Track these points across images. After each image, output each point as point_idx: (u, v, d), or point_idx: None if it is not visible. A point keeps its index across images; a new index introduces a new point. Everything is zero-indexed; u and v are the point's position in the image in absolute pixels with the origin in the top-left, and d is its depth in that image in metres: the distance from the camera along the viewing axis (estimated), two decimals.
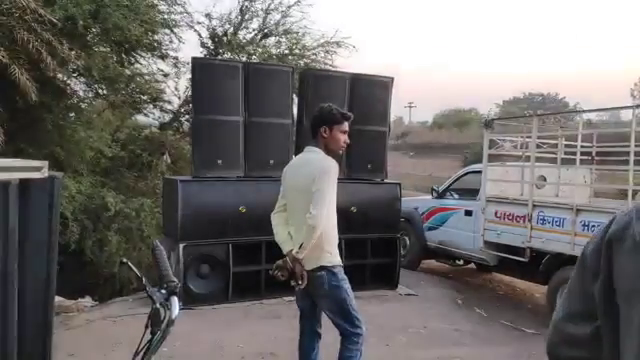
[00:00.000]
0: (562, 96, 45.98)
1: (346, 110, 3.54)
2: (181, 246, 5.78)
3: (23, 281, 3.37)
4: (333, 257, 3.31)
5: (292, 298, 6.21)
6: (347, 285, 3.32)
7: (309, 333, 3.53)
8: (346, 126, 3.40)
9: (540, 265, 6.40)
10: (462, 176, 8.44)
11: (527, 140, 7.19)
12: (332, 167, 3.28)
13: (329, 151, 3.38)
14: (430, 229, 8.34)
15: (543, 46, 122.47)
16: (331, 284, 3.26)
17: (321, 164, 3.28)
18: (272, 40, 11.83)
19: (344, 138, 3.40)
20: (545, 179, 7.37)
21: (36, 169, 3.47)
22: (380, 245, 6.77)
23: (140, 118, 11.78)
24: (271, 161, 6.22)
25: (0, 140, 7.04)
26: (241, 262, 6.06)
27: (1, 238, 2.96)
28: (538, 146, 7.00)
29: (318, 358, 3.53)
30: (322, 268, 3.25)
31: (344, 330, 3.33)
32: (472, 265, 8.55)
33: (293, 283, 3.26)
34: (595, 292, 1.04)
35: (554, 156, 7.43)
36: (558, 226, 6.12)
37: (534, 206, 6.43)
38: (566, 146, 7.53)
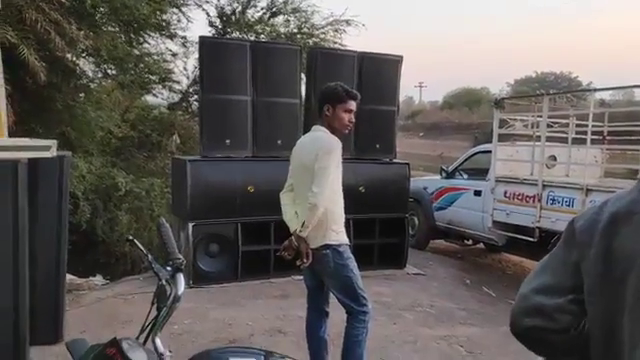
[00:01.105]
0: (575, 75, 45.45)
1: (353, 89, 3.48)
2: (190, 225, 5.82)
3: (34, 259, 3.42)
4: (339, 235, 3.31)
5: (301, 277, 6.26)
6: (353, 264, 3.32)
7: (317, 311, 3.56)
8: (351, 105, 3.34)
9: (549, 245, 6.37)
10: (472, 156, 8.39)
11: (538, 119, 7.12)
12: (334, 145, 3.26)
13: (333, 130, 3.34)
14: (439, 209, 8.33)
15: (557, 23, 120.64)
16: (337, 262, 3.27)
17: (323, 143, 3.27)
18: (280, 19, 11.74)
19: (348, 117, 3.34)
20: (555, 159, 7.31)
21: (45, 148, 3.51)
22: (388, 225, 6.77)
23: (149, 98, 11.80)
24: (279, 140, 6.20)
25: (11, 121, 7.07)
26: (250, 241, 6.10)
27: (11, 216, 3.00)
28: (549, 125, 6.94)
29: (325, 336, 3.56)
30: (327, 247, 3.26)
31: (350, 308, 3.34)
32: (481, 245, 8.55)
33: (299, 262, 3.28)
34: (584, 268, 1.05)
35: (565, 136, 7.36)
36: (568, 206, 6.09)
37: (544, 186, 6.39)
38: (577, 126, 7.45)
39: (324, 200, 3.17)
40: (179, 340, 4.25)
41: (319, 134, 3.37)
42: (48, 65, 7.71)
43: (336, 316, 3.54)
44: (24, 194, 3.10)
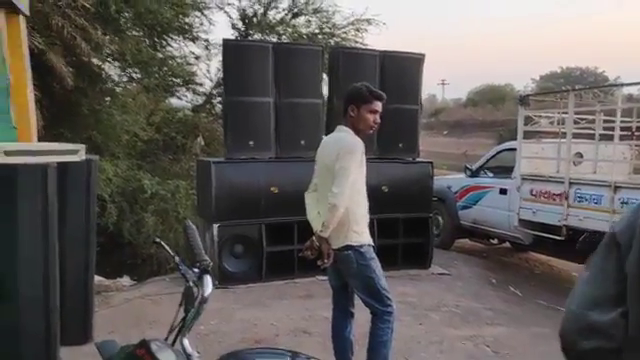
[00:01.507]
0: (602, 70, 44.57)
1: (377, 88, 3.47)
2: (215, 227, 5.87)
3: (64, 262, 3.49)
4: (360, 236, 3.29)
5: (325, 277, 6.27)
6: (376, 264, 3.30)
7: (342, 312, 3.55)
8: (376, 105, 3.30)
9: (577, 243, 6.27)
10: (496, 154, 8.30)
11: (564, 116, 7.01)
12: (355, 145, 3.23)
13: (357, 131, 3.31)
14: (464, 208, 8.26)
15: (583, 17, 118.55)
16: (359, 263, 3.26)
17: (344, 143, 3.26)
18: (302, 19, 11.77)
19: (373, 118, 3.30)
20: (582, 156, 7.19)
21: (73, 152, 3.58)
22: (412, 225, 6.73)
23: (173, 101, 11.94)
24: (302, 141, 6.23)
25: (39, 125, 7.23)
26: (274, 242, 6.13)
27: (42, 219, 3.06)
28: (575, 122, 6.83)
29: (351, 337, 3.55)
30: (349, 247, 3.25)
31: (374, 309, 3.33)
32: (507, 244, 8.45)
33: (319, 262, 3.28)
34: (628, 269, 1.00)
35: (592, 132, 7.23)
36: (596, 203, 5.99)
37: (571, 183, 6.29)
38: (605, 121, 7.31)
39: (344, 200, 3.15)
40: (206, 340, 4.29)
41: (342, 134, 3.36)
42: (75, 70, 7.87)
43: (361, 316, 3.54)
44: (54, 197, 3.17)
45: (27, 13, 5.10)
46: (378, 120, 3.34)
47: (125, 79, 10.51)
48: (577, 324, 1.06)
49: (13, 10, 4.74)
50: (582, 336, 1.04)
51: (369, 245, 3.33)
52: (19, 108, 4.79)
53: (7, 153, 2.90)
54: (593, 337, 1.01)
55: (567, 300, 1.12)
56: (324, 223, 3.20)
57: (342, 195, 3.15)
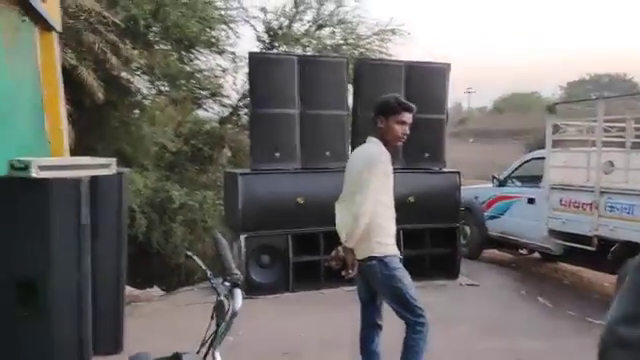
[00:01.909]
0: (631, 76, 43.68)
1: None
2: (242, 237, 5.92)
3: (96, 272, 3.56)
4: (384, 247, 3.27)
5: (351, 287, 6.27)
6: (402, 274, 3.27)
7: (369, 325, 3.54)
8: (405, 117, 3.28)
9: (608, 254, 6.14)
10: (524, 163, 8.19)
11: (593, 124, 6.89)
12: (377, 157, 3.23)
13: (386, 142, 3.30)
14: (491, 218, 8.16)
15: (612, 23, 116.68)
16: (383, 273, 3.24)
17: (367, 153, 3.29)
18: (326, 31, 11.86)
19: (401, 129, 3.28)
20: (613, 164, 7.05)
21: (105, 166, 3.66)
22: (439, 235, 6.69)
23: (201, 113, 12.12)
24: (327, 152, 6.26)
25: (71, 139, 7.41)
26: (300, 252, 6.15)
27: (75, 232, 3.14)
28: (605, 130, 6.71)
29: (377, 349, 3.53)
30: (372, 258, 3.24)
31: (406, 319, 3.29)
32: (536, 254, 8.31)
33: (344, 272, 3.29)
34: None
35: (622, 140, 7.10)
36: (628, 213, 5.86)
37: (601, 193, 6.18)
38: (636, 129, 7.17)
39: (366, 211, 3.15)
40: (234, 351, 4.29)
41: (368, 145, 3.38)
42: (105, 84, 8.07)
43: (391, 329, 3.51)
44: (86, 210, 3.24)
45: (59, 30, 5.26)
46: (407, 131, 3.32)
47: (154, 92, 10.72)
48: (609, 337, 1.06)
49: (47, 27, 4.90)
50: (616, 348, 1.04)
51: (394, 256, 3.30)
52: (52, 123, 4.93)
53: (42, 168, 2.98)
54: (620, 350, 1.02)
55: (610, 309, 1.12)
56: (348, 233, 3.22)
57: (363, 206, 3.15)
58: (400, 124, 3.28)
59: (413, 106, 3.34)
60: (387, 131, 3.29)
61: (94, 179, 3.43)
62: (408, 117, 3.30)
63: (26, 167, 2.96)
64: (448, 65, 6.80)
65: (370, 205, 3.16)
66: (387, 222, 3.32)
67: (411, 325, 3.29)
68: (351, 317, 5.37)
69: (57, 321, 3.21)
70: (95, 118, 8.84)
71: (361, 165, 3.25)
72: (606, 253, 6.17)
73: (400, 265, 3.31)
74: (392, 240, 3.34)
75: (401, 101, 3.33)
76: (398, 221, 6.79)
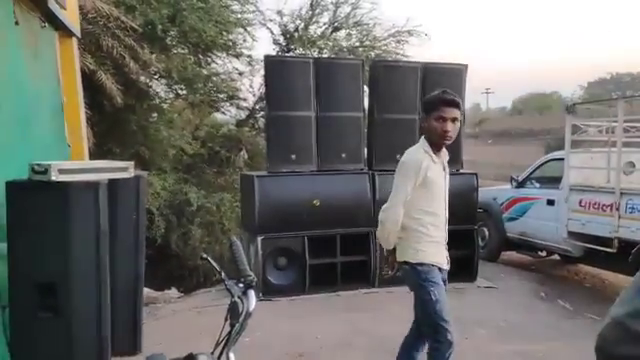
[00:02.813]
0: None
1: (451, 96, 3.10)
2: (259, 239, 5.95)
3: (114, 276, 3.60)
4: (420, 254, 3.10)
5: (368, 290, 6.28)
6: (434, 287, 3.05)
7: (416, 330, 3.36)
8: (445, 112, 2.99)
9: (629, 256, 6.05)
10: (543, 164, 8.11)
11: (613, 124, 6.80)
12: (408, 160, 3.06)
13: (431, 143, 3.08)
14: (510, 220, 8.08)
15: (634, 21, 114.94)
16: (414, 281, 3.11)
17: (404, 155, 3.12)
18: (342, 33, 11.88)
19: (442, 126, 3.00)
20: (634, 165, 6.95)
21: (123, 169, 3.69)
22: (457, 237, 6.55)
23: (218, 116, 12.22)
24: (343, 154, 6.27)
25: (90, 142, 7.52)
26: (317, 254, 6.15)
27: (94, 235, 3.18)
28: (626, 130, 6.61)
29: (418, 356, 3.34)
30: (406, 263, 3.13)
31: (426, 333, 3.16)
32: (556, 256, 8.22)
33: (383, 270, 3.36)
34: None
35: None
36: None
37: (622, 194, 6.09)
38: None
39: (390, 217, 3.04)
40: (250, 353, 4.32)
41: (412, 147, 3.19)
42: (123, 88, 8.17)
43: None
44: (105, 214, 3.27)
45: (79, 35, 5.33)
46: (448, 128, 3.01)
47: (171, 95, 10.84)
48: (618, 331, 1.05)
49: (66, 33, 4.97)
50: (622, 342, 1.03)
51: (430, 265, 3.10)
52: (72, 126, 5.00)
53: (61, 171, 3.02)
54: (636, 345, 1.01)
55: (612, 307, 1.11)
56: (378, 237, 3.21)
57: (387, 211, 3.06)
58: (439, 121, 3.01)
59: (456, 99, 3.06)
60: (428, 130, 3.08)
61: (112, 182, 3.46)
62: (449, 112, 3.01)
63: (46, 170, 3.00)
64: (465, 66, 6.75)
65: (397, 211, 3.04)
66: (427, 229, 3.11)
67: (430, 341, 3.16)
68: (368, 319, 5.40)
69: (76, 323, 3.25)
70: (114, 122, 8.95)
71: (397, 168, 3.13)
72: (627, 255, 6.07)
73: (435, 276, 3.10)
74: (433, 248, 3.14)
75: (440, 95, 3.06)
76: None
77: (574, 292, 6.94)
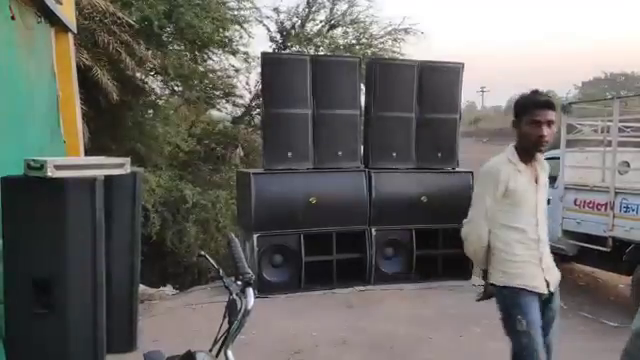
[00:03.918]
0: None
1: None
2: (255, 236, 5.94)
3: (110, 271, 3.59)
4: (505, 277, 2.74)
5: (363, 288, 6.29)
6: (520, 315, 2.67)
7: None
8: (538, 115, 2.65)
9: (624, 255, 6.08)
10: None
11: (608, 124, 6.83)
12: (486, 170, 2.78)
13: (523, 150, 2.76)
14: None
15: (629, 21, 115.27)
16: (500, 304, 2.78)
17: (485, 165, 2.82)
18: (339, 31, 11.88)
19: (535, 131, 2.65)
20: (629, 165, 6.98)
21: (119, 166, 3.68)
22: (452, 235, 6.58)
23: (214, 113, 12.19)
24: (339, 152, 6.27)
25: (86, 138, 7.49)
26: (313, 252, 6.15)
27: (90, 232, 3.17)
28: (620, 130, 6.64)
29: None
30: (494, 285, 2.81)
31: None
32: None
33: (477, 296, 3.01)
34: None
35: (638, 140, 7.02)
36: None
37: (617, 193, 6.12)
38: None
39: (473, 231, 2.77)
40: (246, 350, 4.33)
41: (497, 155, 2.87)
42: (119, 84, 8.13)
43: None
44: (101, 210, 3.26)
45: (75, 31, 5.31)
46: (544, 133, 2.65)
47: (167, 92, 10.80)
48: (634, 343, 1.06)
49: (62, 28, 4.95)
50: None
51: (516, 289, 2.71)
52: (67, 122, 4.99)
53: (57, 167, 3.01)
54: None
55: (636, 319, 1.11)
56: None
57: (467, 226, 2.80)
58: (533, 125, 2.67)
59: (550, 100, 2.75)
60: (519, 134, 2.74)
61: (108, 178, 3.45)
62: (544, 115, 2.66)
63: (42, 166, 2.99)
64: (462, 65, 6.76)
65: (479, 225, 2.75)
66: (511, 247, 2.74)
67: None
68: (363, 317, 5.40)
69: (72, 319, 3.24)
70: (109, 118, 8.91)
71: (475, 177, 2.95)
72: (621, 254, 6.11)
73: (524, 302, 2.70)
74: (521, 270, 2.74)
75: (533, 96, 2.76)
76: (410, 221, 6.74)
77: (568, 291, 6.95)
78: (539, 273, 2.76)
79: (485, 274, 2.88)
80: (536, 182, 2.78)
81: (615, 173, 6.38)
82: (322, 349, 4.60)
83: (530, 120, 2.66)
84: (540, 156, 2.83)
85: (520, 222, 2.74)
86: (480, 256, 2.82)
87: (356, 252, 6.31)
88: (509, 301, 2.71)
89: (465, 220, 2.81)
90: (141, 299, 5.20)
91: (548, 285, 2.76)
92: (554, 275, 2.82)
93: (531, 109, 2.68)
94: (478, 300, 2.95)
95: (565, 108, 7.17)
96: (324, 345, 4.69)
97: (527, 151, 2.74)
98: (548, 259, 2.82)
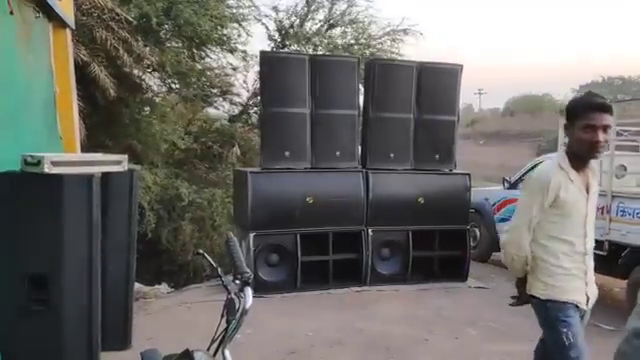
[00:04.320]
0: None
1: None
2: (251, 235, 5.92)
3: (106, 268, 3.58)
4: (549, 289, 2.63)
5: (359, 288, 6.29)
6: (567, 328, 2.57)
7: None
8: (593, 119, 2.48)
9: (619, 259, 6.09)
10: (536, 165, 8.14)
11: None
12: (536, 177, 2.66)
13: (576, 157, 2.59)
14: (502, 221, 8.10)
15: (624, 26, 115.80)
16: (544, 319, 2.70)
17: (534, 171, 2.73)
18: (338, 30, 11.86)
19: (591, 137, 2.49)
20: (625, 169, 6.98)
21: (117, 163, 3.67)
22: (449, 237, 6.66)
23: (211, 111, 12.15)
24: (337, 152, 6.26)
25: (82, 134, 7.45)
26: (309, 252, 6.14)
27: (86, 229, 3.15)
28: (618, 134, 6.64)
29: None
30: (534, 297, 2.70)
31: None
32: None
33: (510, 301, 2.96)
34: None
35: (635, 144, 7.03)
36: None
37: (613, 197, 6.12)
38: None
39: (515, 241, 2.64)
40: (241, 350, 4.31)
41: (546, 161, 2.79)
42: (117, 81, 8.09)
43: None
44: (97, 207, 3.25)
45: (73, 26, 5.28)
46: (599, 138, 2.50)
47: (164, 89, 10.76)
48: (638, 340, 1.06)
49: (60, 23, 4.92)
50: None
51: (562, 303, 2.61)
52: (64, 118, 4.96)
53: (54, 164, 2.99)
54: None
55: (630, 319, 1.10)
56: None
57: (508, 234, 2.68)
58: (587, 130, 2.50)
59: (606, 102, 2.58)
60: (572, 140, 2.59)
61: (106, 176, 3.44)
62: (600, 119, 2.49)
63: (39, 162, 2.97)
64: (460, 66, 6.76)
65: (520, 234, 2.61)
66: (557, 259, 2.62)
67: None
68: (359, 318, 5.39)
69: (67, 317, 3.23)
70: (106, 114, 8.88)
71: (523, 183, 2.77)
72: (617, 258, 6.11)
73: (569, 315, 2.60)
74: (567, 283, 2.63)
75: (588, 98, 2.61)
76: (407, 222, 6.74)
77: None
78: (582, 287, 2.67)
79: (521, 282, 2.76)
80: (587, 191, 2.63)
81: (612, 177, 6.39)
82: (317, 349, 4.59)
83: (584, 124, 2.50)
84: (593, 162, 2.69)
85: (569, 234, 2.61)
86: (518, 266, 2.69)
87: (352, 252, 6.30)
88: (553, 315, 2.61)
89: (506, 227, 2.70)
90: (136, 297, 5.18)
91: (587, 300, 2.69)
92: (594, 291, 2.73)
93: (585, 113, 2.51)
94: (512, 305, 2.88)
95: (563, 111, 7.17)
96: (319, 345, 4.68)
97: (580, 157, 2.59)
98: (591, 272, 2.71)
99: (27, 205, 3.06)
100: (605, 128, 2.51)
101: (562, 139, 6.97)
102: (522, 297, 2.79)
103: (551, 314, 2.61)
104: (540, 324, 2.73)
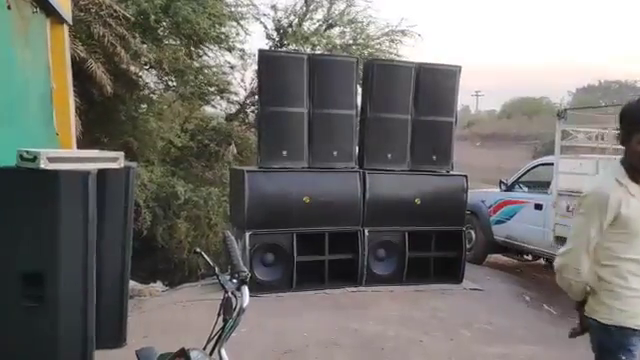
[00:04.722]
0: None
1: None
2: (247, 234, 5.91)
3: (101, 266, 3.56)
4: (615, 315, 2.35)
5: (355, 289, 6.28)
6: (626, 357, 2.34)
7: None
8: None
9: None
10: (532, 168, 8.16)
11: (602, 131, 6.84)
12: (592, 195, 2.37)
13: (633, 169, 2.33)
14: (497, 223, 8.12)
15: (621, 30, 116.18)
16: (602, 345, 2.42)
17: (589, 186, 2.49)
18: (336, 30, 11.83)
19: None
20: None
21: (113, 160, 3.65)
22: (445, 238, 6.66)
23: (208, 109, 12.10)
24: (335, 152, 6.25)
25: (78, 131, 7.41)
26: (305, 252, 6.13)
27: (82, 226, 3.13)
28: (615, 138, 6.66)
29: None
30: (593, 319, 2.44)
31: None
32: (541, 261, 8.27)
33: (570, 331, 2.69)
34: None
35: None
36: None
37: None
38: None
39: (571, 264, 2.38)
40: (236, 349, 4.28)
41: (601, 173, 2.59)
42: (114, 77, 8.05)
43: None
44: (93, 204, 3.24)
45: (70, 22, 5.26)
46: None
47: (161, 87, 10.71)
48: None
49: (58, 19, 4.90)
50: None
51: (624, 329, 2.34)
52: (61, 114, 4.94)
53: (50, 160, 2.97)
54: None
55: None
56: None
57: (563, 258, 2.42)
58: None
59: None
60: (628, 150, 2.32)
61: (102, 172, 3.42)
62: None
63: (35, 158, 2.95)
64: (458, 67, 6.75)
65: (578, 259, 2.36)
66: (625, 281, 2.35)
67: None
68: (355, 318, 5.39)
69: (61, 314, 3.21)
70: (103, 111, 8.83)
71: (577, 202, 2.49)
72: None
73: (633, 345, 2.35)
74: (635, 307, 2.36)
75: None
76: (404, 223, 6.73)
77: (559, 297, 6.96)
78: None
79: (580, 305, 2.51)
80: None
81: None
82: (312, 349, 4.58)
83: None
84: None
85: (634, 251, 2.36)
86: (576, 291, 2.45)
87: (348, 253, 6.29)
88: (617, 342, 2.36)
89: (560, 250, 2.47)
90: (131, 295, 5.15)
91: None
92: None
93: None
94: (572, 336, 2.63)
95: (561, 114, 7.19)
96: (314, 345, 4.67)
97: (636, 169, 2.32)
98: None
99: (23, 201, 3.03)
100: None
101: (559, 142, 7.01)
102: (583, 323, 2.52)
103: (616, 340, 2.36)
104: (594, 349, 2.48)
